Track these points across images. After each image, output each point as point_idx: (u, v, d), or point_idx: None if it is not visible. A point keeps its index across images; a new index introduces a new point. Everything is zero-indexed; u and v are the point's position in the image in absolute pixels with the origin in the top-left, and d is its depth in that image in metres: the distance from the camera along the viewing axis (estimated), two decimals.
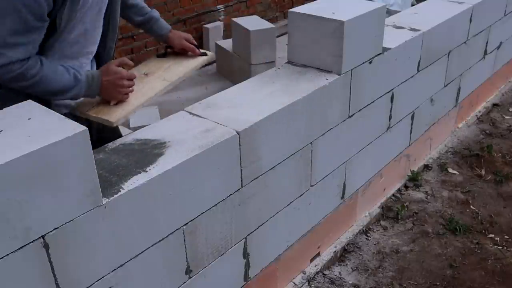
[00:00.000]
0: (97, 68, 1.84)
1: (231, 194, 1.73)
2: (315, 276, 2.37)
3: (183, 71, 1.93)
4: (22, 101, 1.29)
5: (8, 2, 1.45)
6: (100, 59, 1.88)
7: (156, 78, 1.88)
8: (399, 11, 3.45)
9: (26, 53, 1.52)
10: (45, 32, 1.57)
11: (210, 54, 2.08)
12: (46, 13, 1.51)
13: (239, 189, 1.76)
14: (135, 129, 3.12)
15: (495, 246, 2.57)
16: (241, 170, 1.73)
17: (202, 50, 2.06)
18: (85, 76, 1.64)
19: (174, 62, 1.98)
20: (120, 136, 2.00)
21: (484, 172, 3.14)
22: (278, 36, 5.04)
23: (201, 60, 2.03)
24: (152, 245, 1.51)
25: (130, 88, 1.72)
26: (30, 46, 1.52)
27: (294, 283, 2.31)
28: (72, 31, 1.66)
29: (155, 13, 2.04)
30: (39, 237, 1.20)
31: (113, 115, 1.64)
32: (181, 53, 2.07)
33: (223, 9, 5.83)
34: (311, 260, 2.40)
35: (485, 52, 3.52)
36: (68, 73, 1.62)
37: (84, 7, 1.63)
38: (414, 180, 3.05)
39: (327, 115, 2.08)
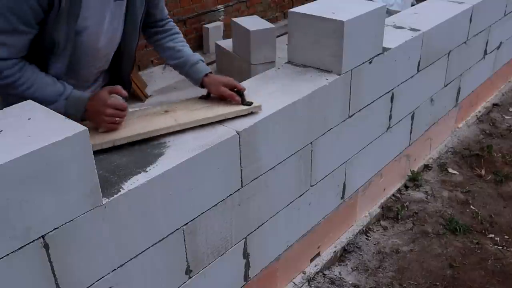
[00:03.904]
0: None
1: (231, 194, 1.73)
2: (315, 276, 2.37)
3: (205, 115, 1.70)
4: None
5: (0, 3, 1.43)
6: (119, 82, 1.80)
7: (170, 117, 1.70)
8: (399, 11, 3.45)
9: (7, 54, 1.49)
10: (44, 46, 1.55)
11: (257, 105, 1.78)
12: (33, 20, 1.49)
13: (239, 189, 1.76)
14: None
15: (495, 246, 2.57)
16: (241, 170, 1.73)
17: (248, 100, 1.79)
18: (70, 95, 1.58)
19: (207, 105, 1.78)
20: None
21: (484, 172, 3.14)
22: (278, 36, 5.04)
23: (238, 109, 1.75)
24: (152, 245, 1.51)
25: (116, 118, 1.58)
26: (13, 49, 1.50)
27: (294, 283, 2.30)
28: (75, 50, 1.63)
29: (192, 57, 1.87)
30: (39, 237, 1.20)
31: (92, 139, 1.42)
32: (222, 98, 1.82)
33: (223, 9, 5.83)
34: (311, 260, 2.40)
35: (485, 52, 3.53)
36: (53, 86, 1.58)
37: (86, 30, 1.61)
38: (414, 180, 3.05)
39: (327, 115, 2.08)
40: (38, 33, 1.54)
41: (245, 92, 1.82)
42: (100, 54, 1.73)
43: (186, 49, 1.90)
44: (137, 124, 1.65)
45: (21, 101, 1.35)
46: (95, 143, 1.50)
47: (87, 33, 1.61)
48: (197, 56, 1.89)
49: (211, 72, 1.87)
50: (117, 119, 1.59)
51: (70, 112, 1.58)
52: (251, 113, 1.77)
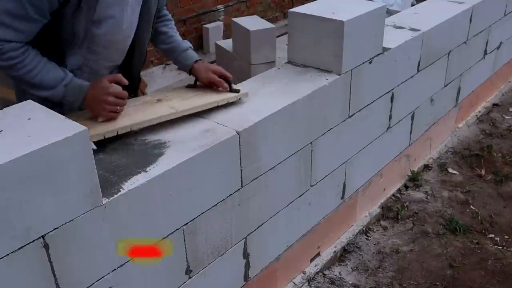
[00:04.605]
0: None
1: (231, 194, 1.73)
2: (315, 276, 2.37)
3: (199, 103, 1.73)
4: None
5: None
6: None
7: (165, 105, 1.71)
8: (399, 11, 3.45)
9: (14, 37, 1.49)
10: (65, 39, 1.57)
11: (244, 92, 1.84)
12: (48, 11, 1.50)
13: (239, 189, 1.76)
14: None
15: (495, 246, 2.57)
16: (241, 170, 1.73)
17: (235, 87, 1.85)
18: (70, 82, 1.58)
19: (198, 94, 1.81)
20: None
21: (484, 172, 3.14)
22: (278, 36, 5.04)
23: (226, 96, 1.79)
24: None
25: (117, 107, 1.58)
26: (20, 34, 1.50)
27: (294, 283, 2.30)
28: (93, 42, 1.65)
29: (184, 43, 1.92)
30: (39, 237, 1.20)
31: (91, 130, 1.45)
32: (211, 85, 1.87)
33: (223, 9, 5.83)
34: (311, 260, 2.40)
35: (485, 52, 3.53)
36: (54, 72, 1.57)
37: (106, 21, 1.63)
38: (414, 180, 3.05)
39: (327, 115, 2.08)
40: (57, 25, 1.54)
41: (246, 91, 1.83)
42: (118, 46, 1.73)
43: (177, 36, 1.95)
44: (136, 113, 1.64)
45: (23, 87, 1.33)
46: (97, 133, 1.49)
47: (108, 23, 1.63)
48: (187, 43, 1.93)
49: (200, 60, 1.91)
50: (118, 107, 1.58)
51: (69, 99, 1.59)
52: (239, 100, 1.84)
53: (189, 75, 1.92)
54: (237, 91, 1.84)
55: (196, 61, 1.89)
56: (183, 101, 1.75)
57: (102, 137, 1.51)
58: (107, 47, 1.70)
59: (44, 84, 1.55)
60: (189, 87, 1.90)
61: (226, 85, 1.84)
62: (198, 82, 1.90)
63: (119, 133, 1.55)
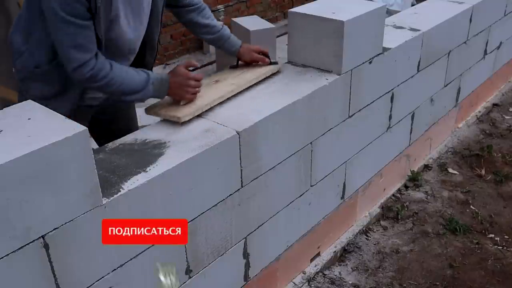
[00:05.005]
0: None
1: (231, 194, 1.73)
2: (315, 276, 2.37)
3: (251, 77, 2.01)
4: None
5: (52, 13, 1.52)
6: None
7: (225, 84, 1.96)
8: (399, 11, 3.45)
9: (89, 50, 1.58)
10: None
11: (280, 63, 2.15)
12: (86, 11, 1.55)
13: (239, 189, 1.76)
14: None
15: (495, 246, 2.57)
16: (241, 170, 1.73)
17: (272, 60, 2.13)
18: (154, 79, 1.72)
19: (244, 71, 2.09)
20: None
21: (484, 172, 3.14)
22: (278, 36, 5.04)
23: (269, 68, 2.09)
24: (152, 245, 1.51)
25: (197, 89, 1.80)
26: (90, 45, 1.58)
27: (294, 283, 2.30)
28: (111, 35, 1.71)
29: (226, 31, 2.11)
30: (39, 237, 1.21)
31: (181, 112, 1.73)
32: (252, 63, 2.15)
33: (223, 9, 5.83)
34: (311, 260, 2.40)
35: (485, 52, 3.52)
36: (138, 75, 1.70)
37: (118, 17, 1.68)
38: (414, 180, 3.05)
39: (327, 115, 2.08)
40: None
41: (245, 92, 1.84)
42: (130, 46, 1.80)
43: (218, 25, 2.11)
44: (206, 94, 1.86)
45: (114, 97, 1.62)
46: (188, 113, 1.72)
47: (118, 23, 1.68)
48: (227, 29, 2.12)
49: (243, 42, 2.17)
50: (197, 89, 1.81)
51: (158, 94, 1.75)
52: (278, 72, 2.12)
53: (234, 56, 2.16)
54: (276, 63, 2.12)
55: (240, 45, 2.12)
56: (238, 78, 2.01)
57: (193, 115, 1.73)
58: (119, 47, 1.77)
59: (136, 88, 1.69)
60: (233, 67, 2.15)
61: (267, 60, 2.12)
62: (240, 62, 2.15)
63: (203, 110, 1.79)
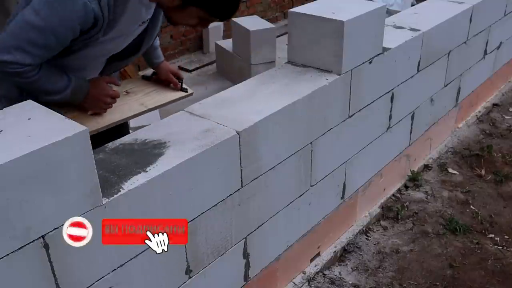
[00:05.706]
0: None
1: (231, 194, 1.73)
2: (315, 276, 2.37)
3: (161, 101, 2.08)
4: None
5: (46, 22, 1.53)
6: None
7: (135, 100, 2.02)
8: (399, 11, 3.45)
9: (31, 61, 1.59)
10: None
11: (191, 91, 2.20)
12: (69, 41, 1.60)
13: (239, 189, 1.76)
14: (135, 129, 3.11)
15: (495, 246, 2.57)
16: (241, 170, 1.73)
17: (184, 86, 2.19)
18: (75, 83, 1.73)
19: (156, 89, 2.14)
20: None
21: (484, 172, 3.14)
22: (278, 36, 5.04)
23: (179, 94, 2.16)
24: None
25: (111, 105, 1.85)
26: (37, 58, 1.60)
27: (294, 283, 2.31)
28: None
29: (157, 41, 2.15)
30: (39, 237, 1.20)
31: (87, 124, 1.56)
32: (164, 82, 2.20)
33: None
34: (311, 260, 2.40)
35: (485, 52, 3.53)
36: (61, 78, 1.71)
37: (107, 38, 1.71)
38: (414, 180, 3.05)
39: (327, 115, 2.08)
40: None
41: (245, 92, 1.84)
42: (105, 55, 1.85)
43: None
44: (115, 107, 1.90)
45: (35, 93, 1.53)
46: (93, 128, 1.75)
47: (113, 43, 1.76)
48: (157, 40, 2.14)
49: (165, 60, 2.23)
50: (110, 106, 1.86)
51: (73, 98, 1.77)
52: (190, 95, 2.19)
53: (151, 68, 2.21)
54: (186, 90, 2.18)
55: (162, 61, 2.18)
56: (148, 98, 2.07)
57: (96, 132, 1.76)
58: (103, 56, 1.84)
59: (57, 89, 1.72)
60: (145, 78, 2.21)
61: (179, 85, 2.18)
62: (154, 77, 2.20)
63: (107, 127, 1.84)
